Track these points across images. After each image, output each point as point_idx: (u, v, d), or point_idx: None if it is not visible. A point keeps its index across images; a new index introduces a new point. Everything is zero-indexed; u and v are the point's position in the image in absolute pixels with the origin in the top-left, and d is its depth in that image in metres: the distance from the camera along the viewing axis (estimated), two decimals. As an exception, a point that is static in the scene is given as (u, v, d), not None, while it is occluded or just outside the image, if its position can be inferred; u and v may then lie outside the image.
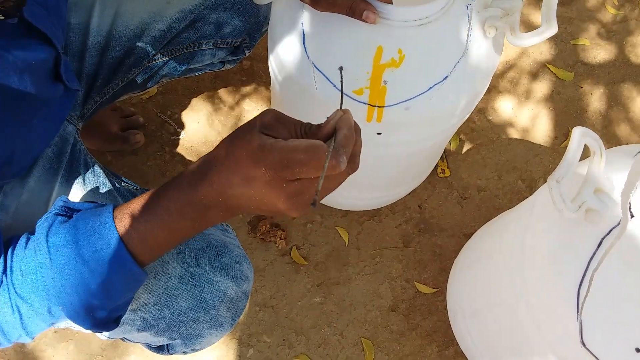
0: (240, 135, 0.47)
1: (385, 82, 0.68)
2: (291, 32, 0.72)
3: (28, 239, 0.53)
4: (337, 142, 0.45)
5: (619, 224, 0.59)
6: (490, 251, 0.91)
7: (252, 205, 0.47)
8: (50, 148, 0.69)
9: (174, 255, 0.67)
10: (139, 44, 0.79)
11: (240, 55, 0.91)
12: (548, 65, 1.38)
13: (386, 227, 1.18)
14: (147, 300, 0.65)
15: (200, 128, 1.25)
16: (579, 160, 0.62)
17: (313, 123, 0.49)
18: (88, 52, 0.77)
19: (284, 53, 0.73)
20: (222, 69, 0.94)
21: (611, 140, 1.32)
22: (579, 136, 0.60)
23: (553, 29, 0.66)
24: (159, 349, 0.75)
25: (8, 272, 0.51)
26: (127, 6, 0.78)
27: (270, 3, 0.77)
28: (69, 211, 0.53)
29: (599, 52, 1.41)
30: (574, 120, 1.33)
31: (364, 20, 0.65)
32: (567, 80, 1.37)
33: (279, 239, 1.13)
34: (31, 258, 0.51)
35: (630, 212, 0.58)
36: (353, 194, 1.06)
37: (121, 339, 0.72)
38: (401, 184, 1.04)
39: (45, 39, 0.58)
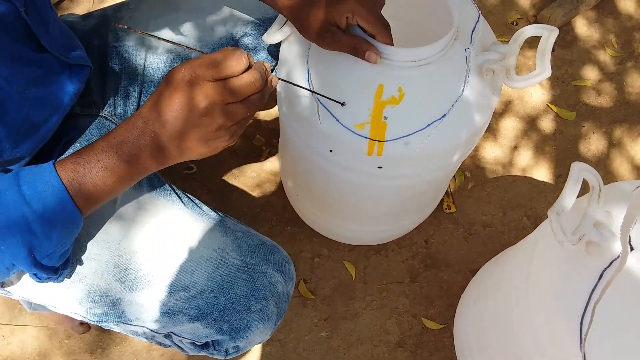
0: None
1: (386, 118, 0.71)
2: (297, 68, 0.76)
3: None
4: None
5: (618, 256, 0.60)
6: (496, 285, 0.92)
7: (177, 124, 0.52)
8: None
9: (232, 248, 0.72)
10: None
11: None
12: (550, 105, 1.42)
13: (393, 262, 1.19)
14: (205, 287, 0.69)
15: (212, 163, 1.28)
16: (580, 196, 0.64)
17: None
18: (141, 70, 0.81)
19: (291, 89, 0.77)
20: None
21: (612, 178, 1.34)
22: (578, 171, 0.62)
23: (547, 73, 0.69)
24: (204, 347, 0.76)
25: None
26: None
27: (280, 42, 0.81)
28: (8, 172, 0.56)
29: (600, 92, 1.45)
30: (576, 158, 1.35)
31: (366, 60, 0.69)
32: (569, 120, 1.40)
33: (286, 272, 1.15)
34: None
35: (630, 245, 0.60)
36: (359, 228, 1.08)
37: (165, 336, 0.74)
38: (406, 217, 1.06)
39: None
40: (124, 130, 0.54)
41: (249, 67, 0.54)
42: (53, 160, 0.54)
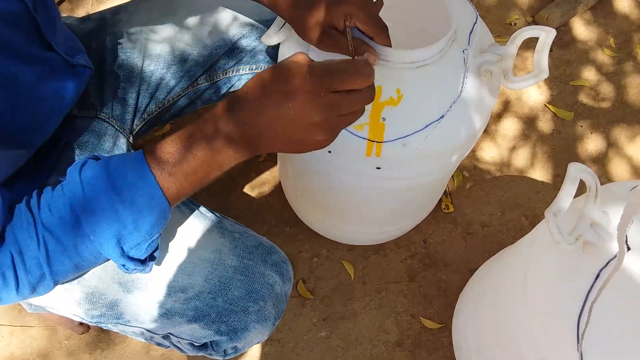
0: (277, 65, 0.52)
1: (384, 119, 0.72)
2: None
3: (52, 188, 0.54)
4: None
5: (615, 256, 0.61)
6: (494, 285, 0.92)
7: (282, 127, 0.50)
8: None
9: (230, 249, 0.72)
10: (184, 67, 0.83)
11: None
12: (548, 105, 1.42)
13: (391, 262, 1.19)
14: (203, 288, 0.69)
15: (211, 164, 1.28)
16: (577, 196, 0.65)
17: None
18: (139, 72, 0.81)
19: None
20: None
21: (610, 178, 1.34)
22: (575, 171, 0.63)
23: (544, 74, 0.69)
24: (202, 348, 0.77)
25: (34, 209, 0.53)
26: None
27: (279, 44, 0.81)
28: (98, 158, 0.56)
29: (598, 92, 1.46)
30: (574, 158, 1.36)
31: None
32: (567, 120, 1.41)
33: (285, 272, 1.15)
34: (60, 196, 0.53)
35: (627, 245, 0.60)
36: (357, 228, 1.08)
37: (163, 337, 0.75)
38: (404, 218, 1.07)
39: None
40: (218, 119, 0.52)
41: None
42: (142, 150, 0.54)
